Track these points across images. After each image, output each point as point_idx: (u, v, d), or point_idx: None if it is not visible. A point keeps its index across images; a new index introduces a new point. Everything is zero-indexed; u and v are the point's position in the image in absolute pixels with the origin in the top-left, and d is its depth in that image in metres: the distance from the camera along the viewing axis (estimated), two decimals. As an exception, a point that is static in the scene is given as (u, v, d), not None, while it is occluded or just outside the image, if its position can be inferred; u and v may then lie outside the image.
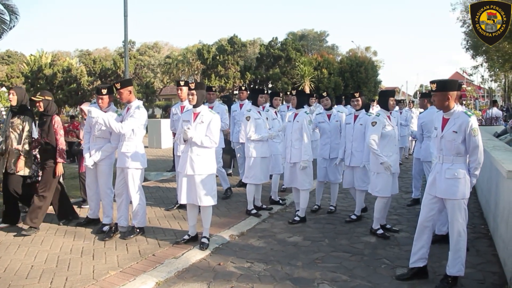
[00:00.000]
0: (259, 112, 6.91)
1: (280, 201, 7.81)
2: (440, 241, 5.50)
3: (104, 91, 6.04)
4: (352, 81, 38.77)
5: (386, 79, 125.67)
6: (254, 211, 7.00)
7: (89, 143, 6.17)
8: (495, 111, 18.73)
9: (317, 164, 7.33)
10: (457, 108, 4.30)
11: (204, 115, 5.41)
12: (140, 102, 5.97)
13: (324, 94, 7.34)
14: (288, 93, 7.11)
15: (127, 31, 15.99)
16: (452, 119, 4.27)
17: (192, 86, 5.43)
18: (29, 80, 35.45)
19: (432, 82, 4.32)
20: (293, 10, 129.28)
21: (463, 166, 4.27)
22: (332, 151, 7.11)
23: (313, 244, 5.81)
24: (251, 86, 38.45)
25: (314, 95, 10.12)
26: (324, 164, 7.17)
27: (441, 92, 4.23)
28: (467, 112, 4.27)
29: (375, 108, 9.99)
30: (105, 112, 5.92)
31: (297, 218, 6.73)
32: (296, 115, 6.69)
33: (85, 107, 6.65)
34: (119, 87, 5.80)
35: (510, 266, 4.28)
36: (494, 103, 23.58)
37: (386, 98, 6.05)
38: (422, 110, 8.14)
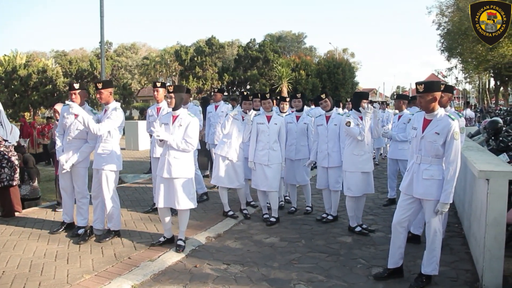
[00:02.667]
0: (242, 116, 6.87)
1: (252, 203, 7.79)
2: (414, 240, 5.58)
3: (77, 86, 5.92)
4: (330, 83, 39.11)
5: (364, 81, 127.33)
6: (231, 213, 6.99)
7: (63, 145, 6.05)
8: (468, 112, 19.14)
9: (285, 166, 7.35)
10: (440, 111, 4.34)
11: (182, 118, 5.36)
12: (118, 104, 5.90)
13: (298, 95, 7.35)
14: (268, 96, 6.92)
15: (103, 31, 15.85)
16: (435, 120, 4.29)
17: (171, 89, 5.38)
18: (3, 81, 34.79)
19: (419, 84, 4.29)
20: (271, 11, 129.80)
21: (441, 167, 4.31)
22: (298, 152, 7.13)
23: (289, 245, 5.82)
24: (229, 87, 38.47)
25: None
26: (290, 165, 7.18)
27: (428, 93, 4.24)
28: (451, 115, 4.31)
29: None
30: None
31: (272, 219, 6.74)
32: (269, 117, 6.71)
33: (58, 107, 6.55)
34: (100, 87, 5.74)
35: (482, 263, 4.35)
36: (467, 104, 24.05)
37: (359, 100, 6.08)
38: (397, 111, 8.23)
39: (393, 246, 4.61)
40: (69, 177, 6.12)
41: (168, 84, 5.83)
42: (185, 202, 5.39)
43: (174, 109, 5.41)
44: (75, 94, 5.87)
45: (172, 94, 5.32)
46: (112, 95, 5.89)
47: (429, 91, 4.24)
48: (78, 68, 38.52)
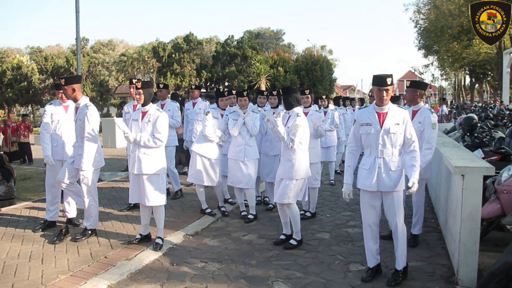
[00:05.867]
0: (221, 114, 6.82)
1: (229, 200, 7.78)
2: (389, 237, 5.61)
3: (63, 81, 5.75)
4: (308, 79, 39.29)
5: (342, 77, 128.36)
6: (208, 210, 6.94)
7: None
8: (444, 109, 19.46)
9: (260, 162, 7.30)
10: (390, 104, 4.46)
11: (151, 114, 5.34)
12: (87, 99, 5.76)
13: (275, 92, 7.36)
14: (245, 93, 6.85)
15: (79, 27, 15.63)
16: (390, 112, 4.38)
17: (139, 85, 5.32)
18: (-24, 78, 34.11)
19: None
20: (250, 8, 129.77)
21: (400, 157, 4.41)
22: (273, 148, 7.09)
23: (267, 242, 5.81)
24: (207, 84, 38.34)
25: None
26: (265, 161, 7.16)
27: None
28: (401, 106, 4.53)
29: (330, 106, 10.04)
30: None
31: (250, 217, 6.73)
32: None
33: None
34: (63, 83, 5.63)
35: (457, 258, 4.41)
36: (443, 101, 24.44)
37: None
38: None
39: (370, 245, 4.57)
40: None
41: (135, 81, 5.75)
42: (155, 199, 5.37)
43: (143, 105, 5.38)
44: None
45: (140, 90, 5.28)
46: (79, 91, 5.75)
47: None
48: (54, 64, 37.90)
